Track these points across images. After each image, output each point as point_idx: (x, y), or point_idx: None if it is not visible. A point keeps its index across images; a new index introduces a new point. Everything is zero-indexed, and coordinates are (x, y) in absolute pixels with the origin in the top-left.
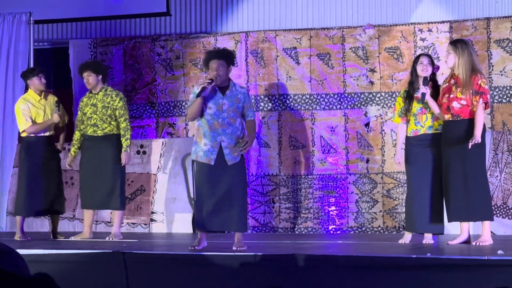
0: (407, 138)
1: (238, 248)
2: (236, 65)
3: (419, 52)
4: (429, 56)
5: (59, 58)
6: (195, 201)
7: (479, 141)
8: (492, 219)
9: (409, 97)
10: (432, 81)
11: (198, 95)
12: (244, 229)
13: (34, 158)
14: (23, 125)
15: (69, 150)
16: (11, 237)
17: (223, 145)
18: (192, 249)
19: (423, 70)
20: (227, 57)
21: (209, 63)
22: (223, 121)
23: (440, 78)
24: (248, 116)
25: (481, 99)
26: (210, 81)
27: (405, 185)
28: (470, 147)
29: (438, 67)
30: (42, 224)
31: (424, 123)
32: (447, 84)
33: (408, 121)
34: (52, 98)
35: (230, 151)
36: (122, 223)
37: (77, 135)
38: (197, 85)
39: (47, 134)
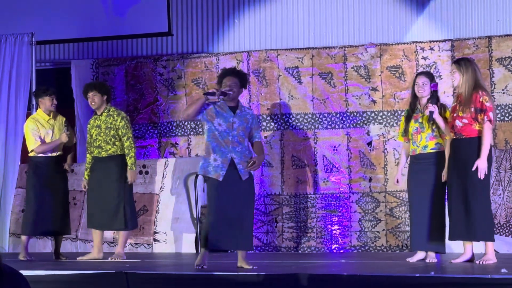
0: (409, 157)
1: (244, 266)
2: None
3: (421, 70)
4: (426, 75)
5: (61, 78)
6: (207, 218)
7: (485, 164)
8: (492, 240)
9: (407, 117)
10: (432, 98)
11: (205, 93)
12: (250, 248)
13: (42, 178)
14: (32, 144)
15: (72, 170)
16: (14, 257)
17: (236, 161)
18: (200, 269)
19: (419, 91)
20: (241, 77)
21: (223, 79)
22: (233, 139)
23: (443, 96)
24: (255, 138)
25: (485, 117)
26: (224, 91)
27: (408, 203)
28: (474, 168)
29: (436, 85)
30: (44, 245)
31: (419, 143)
32: (455, 103)
33: (409, 141)
34: (61, 119)
35: (243, 167)
36: (126, 244)
37: (88, 158)
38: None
39: (55, 154)
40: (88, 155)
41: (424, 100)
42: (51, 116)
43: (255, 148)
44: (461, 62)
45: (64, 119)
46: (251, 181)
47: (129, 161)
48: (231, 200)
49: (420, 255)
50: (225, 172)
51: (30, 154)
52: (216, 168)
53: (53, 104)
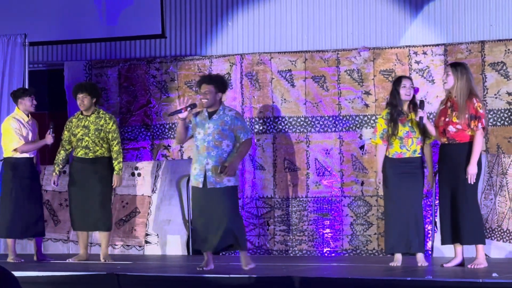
0: (389, 159)
1: (248, 266)
2: (231, 87)
3: (414, 75)
4: (410, 78)
5: (54, 80)
6: (192, 224)
7: (475, 170)
8: (483, 243)
9: (393, 120)
10: (412, 103)
11: (169, 114)
12: (244, 247)
13: (18, 179)
14: (15, 143)
15: (64, 172)
16: (4, 259)
17: (207, 167)
18: (200, 270)
19: (407, 94)
20: (216, 82)
21: (200, 87)
22: (208, 144)
23: (436, 100)
24: (240, 138)
25: (479, 124)
26: (190, 104)
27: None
28: (466, 176)
29: (417, 89)
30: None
31: (410, 147)
32: (443, 106)
33: (391, 143)
34: (36, 122)
35: (212, 173)
36: (118, 245)
37: (62, 154)
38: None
39: (32, 155)
40: (62, 151)
41: (406, 104)
42: (29, 117)
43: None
44: (457, 67)
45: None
46: (224, 189)
47: (117, 166)
48: (210, 204)
49: (400, 257)
50: (203, 179)
51: (8, 154)
52: (196, 176)
53: (33, 104)
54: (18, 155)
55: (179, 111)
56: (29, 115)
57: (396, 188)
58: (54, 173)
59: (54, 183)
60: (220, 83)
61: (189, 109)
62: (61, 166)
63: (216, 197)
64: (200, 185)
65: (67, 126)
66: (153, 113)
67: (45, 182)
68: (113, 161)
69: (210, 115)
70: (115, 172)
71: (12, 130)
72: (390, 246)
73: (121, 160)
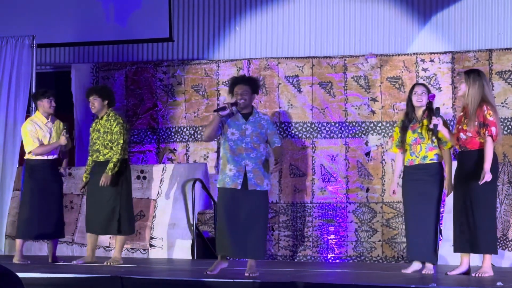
0: (404, 167)
1: (250, 274)
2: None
3: (421, 82)
4: (424, 85)
5: (61, 82)
6: (218, 226)
7: (489, 177)
8: (496, 253)
9: (404, 128)
10: (429, 109)
11: (215, 110)
12: (261, 256)
13: (37, 181)
14: (30, 146)
15: (70, 174)
16: (10, 260)
17: (248, 169)
18: (205, 274)
19: (418, 100)
20: (252, 84)
21: (234, 88)
22: (247, 146)
23: (443, 108)
24: (275, 143)
25: (487, 131)
26: (233, 102)
27: (403, 213)
28: (481, 183)
29: (433, 96)
30: (40, 248)
31: (418, 154)
32: (461, 113)
33: (405, 151)
34: (58, 123)
35: (254, 175)
36: (123, 248)
37: (89, 160)
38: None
39: (51, 157)
40: (89, 157)
41: (420, 110)
42: (49, 119)
43: (274, 153)
44: (470, 75)
45: (62, 124)
46: (263, 193)
47: (109, 165)
48: (243, 208)
49: (415, 266)
50: (242, 180)
51: (27, 156)
52: (232, 178)
53: (52, 106)
54: (35, 157)
55: (223, 108)
56: (49, 117)
57: (410, 195)
58: (82, 180)
59: (80, 191)
60: (255, 85)
61: (233, 108)
62: (87, 173)
63: (255, 200)
64: (239, 187)
65: (90, 131)
66: (160, 117)
67: None
68: (110, 160)
69: (246, 116)
70: (105, 170)
71: (28, 133)
72: (409, 254)
73: (115, 160)
